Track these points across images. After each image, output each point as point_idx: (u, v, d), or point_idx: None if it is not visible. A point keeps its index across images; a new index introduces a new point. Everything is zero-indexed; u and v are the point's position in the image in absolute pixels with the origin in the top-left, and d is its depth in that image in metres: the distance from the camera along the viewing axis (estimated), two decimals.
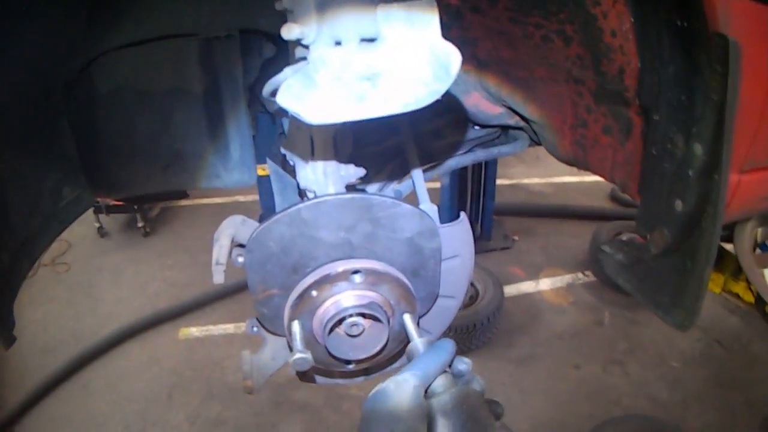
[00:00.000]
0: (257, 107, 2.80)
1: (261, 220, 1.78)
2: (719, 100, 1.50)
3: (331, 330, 1.68)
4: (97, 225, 10.95)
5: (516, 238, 10.03)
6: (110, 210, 10.60)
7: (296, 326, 1.69)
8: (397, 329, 1.77)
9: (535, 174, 12.74)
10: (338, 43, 1.55)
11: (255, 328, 1.97)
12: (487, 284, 7.52)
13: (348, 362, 1.82)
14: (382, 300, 1.70)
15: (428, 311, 1.98)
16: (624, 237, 8.45)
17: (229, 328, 8.17)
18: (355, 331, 1.70)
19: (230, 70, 2.60)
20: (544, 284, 8.93)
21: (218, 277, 1.78)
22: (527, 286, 8.88)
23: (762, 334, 7.70)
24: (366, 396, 1.40)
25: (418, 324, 1.78)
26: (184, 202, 11.82)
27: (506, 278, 8.60)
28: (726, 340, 7.62)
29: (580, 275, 9.05)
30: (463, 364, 1.56)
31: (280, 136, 2.57)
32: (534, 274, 9.14)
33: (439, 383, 1.43)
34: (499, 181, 9.33)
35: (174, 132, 2.69)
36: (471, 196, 8.95)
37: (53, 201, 2.45)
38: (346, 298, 1.68)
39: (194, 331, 8.20)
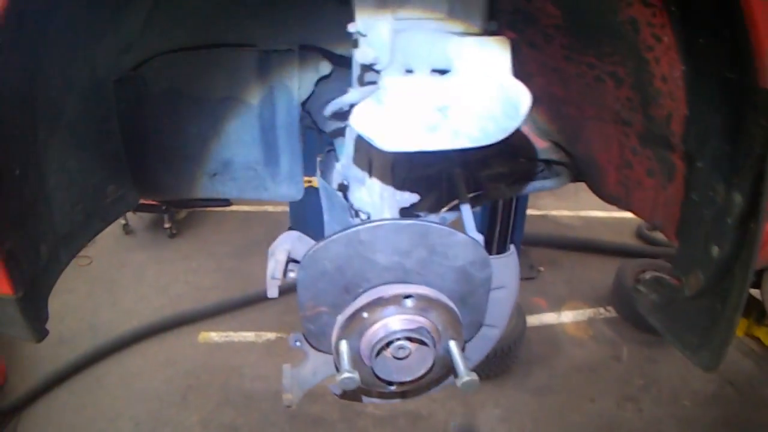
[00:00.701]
0: (307, 123, 2.81)
1: (289, 230, 1.80)
2: (762, 153, 1.50)
3: (379, 352, 1.70)
4: (123, 222, 11.03)
5: (541, 269, 10.02)
6: (138, 208, 10.47)
7: (344, 346, 1.72)
8: (442, 354, 1.79)
9: (564, 206, 12.71)
10: (409, 71, 1.58)
11: (298, 343, 1.99)
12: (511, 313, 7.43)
13: (390, 383, 1.84)
14: (430, 325, 1.72)
15: (471, 338, 2.00)
16: (648, 275, 8.40)
17: (249, 336, 8.18)
18: (401, 353, 1.72)
19: (286, 84, 2.60)
20: (566, 317, 8.91)
21: (273, 292, 1.81)
22: (549, 318, 8.87)
23: None
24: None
25: (463, 350, 1.80)
26: (214, 208, 11.84)
27: (529, 308, 8.59)
28: (738, 382, 7.59)
29: (601, 310, 9.02)
30: None
31: (327, 154, 2.59)
32: (557, 306, 9.12)
33: None
34: (528, 212, 9.33)
35: (224, 140, 2.71)
36: (500, 225, 8.93)
37: (97, 198, 2.45)
38: (396, 321, 1.70)
39: (214, 336, 8.22)
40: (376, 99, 1.53)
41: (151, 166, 2.70)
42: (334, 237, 1.68)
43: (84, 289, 9.22)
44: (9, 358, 7.38)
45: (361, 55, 1.54)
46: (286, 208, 9.04)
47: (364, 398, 2.13)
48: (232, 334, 8.24)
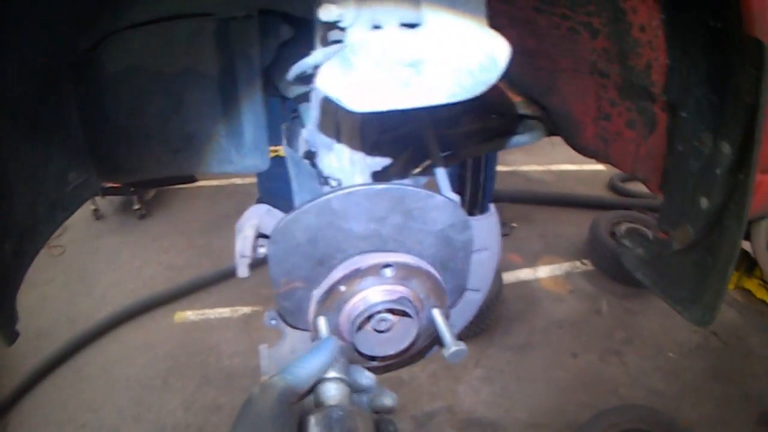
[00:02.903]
0: (270, 90, 2.74)
1: (258, 202, 1.72)
2: (751, 102, 1.47)
3: (360, 326, 1.63)
4: (93, 207, 10.93)
5: (514, 225, 10.05)
6: (106, 192, 10.46)
7: (322, 322, 1.65)
8: (426, 324, 1.73)
9: (533, 161, 12.78)
10: (376, 27, 1.49)
11: (274, 321, 1.92)
12: None
13: (372, 358, 1.77)
14: (411, 295, 1.66)
15: (454, 304, 1.94)
16: (623, 227, 8.50)
17: (225, 312, 8.15)
18: (383, 326, 1.67)
19: (247, 52, 2.53)
20: (542, 272, 8.95)
21: (242, 271, 1.74)
22: (525, 274, 8.90)
23: (758, 328, 7.76)
24: None
25: (447, 318, 1.74)
26: (180, 185, 11.78)
27: (504, 265, 8.61)
28: (723, 332, 7.66)
29: (578, 264, 9.08)
30: (366, 378, 1.50)
31: (292, 121, 2.53)
32: (532, 262, 9.16)
33: (333, 394, 1.37)
34: (497, 168, 9.31)
35: (186, 114, 2.63)
36: (471, 183, 8.92)
37: (58, 187, 2.37)
38: (376, 293, 1.63)
39: (190, 314, 8.18)
40: (343, 58, 1.44)
41: (111, 148, 2.61)
42: (305, 207, 1.60)
43: (59, 279, 9.15)
44: None
45: (324, 13, 1.45)
46: (255, 180, 9.01)
47: None
48: (207, 311, 8.22)
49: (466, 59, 1.39)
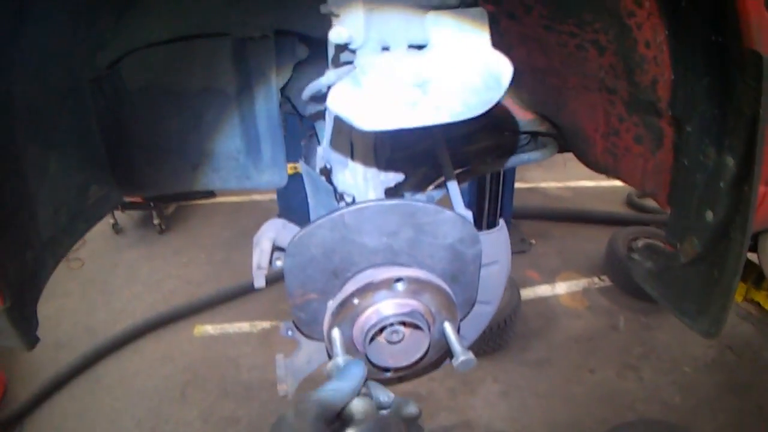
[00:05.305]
0: (287, 109, 2.78)
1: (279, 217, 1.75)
2: (752, 114, 1.48)
3: (372, 338, 1.67)
4: (112, 221, 10.97)
5: (533, 241, 10.03)
6: (126, 207, 10.60)
7: (336, 333, 1.68)
8: (437, 337, 1.76)
9: (552, 178, 12.75)
10: (385, 49, 1.54)
11: (290, 332, 1.96)
12: None
13: (386, 370, 1.81)
14: (423, 308, 1.68)
15: (465, 316, 1.97)
16: (640, 242, 8.44)
17: (244, 326, 8.16)
18: (395, 338, 1.69)
19: (263, 71, 2.56)
20: (560, 288, 8.92)
21: (260, 282, 1.77)
22: (543, 290, 8.88)
23: None
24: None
25: (458, 331, 1.77)
26: (199, 200, 11.85)
27: (522, 282, 8.61)
28: (738, 346, 7.61)
29: (596, 280, 9.04)
30: (385, 396, 1.53)
31: (309, 138, 2.56)
32: (550, 278, 9.13)
33: (360, 410, 1.39)
34: (516, 185, 9.33)
35: (204, 132, 2.67)
36: (489, 199, 8.91)
37: (80, 199, 2.42)
38: (388, 306, 1.66)
39: (209, 328, 8.20)
40: (353, 78, 1.49)
41: (132, 163, 2.66)
42: (319, 222, 1.64)
43: (78, 291, 9.21)
44: (8, 366, 7.36)
45: (334, 35, 1.49)
46: (274, 197, 9.06)
47: None
48: (227, 325, 8.23)
49: (471, 78, 1.42)
